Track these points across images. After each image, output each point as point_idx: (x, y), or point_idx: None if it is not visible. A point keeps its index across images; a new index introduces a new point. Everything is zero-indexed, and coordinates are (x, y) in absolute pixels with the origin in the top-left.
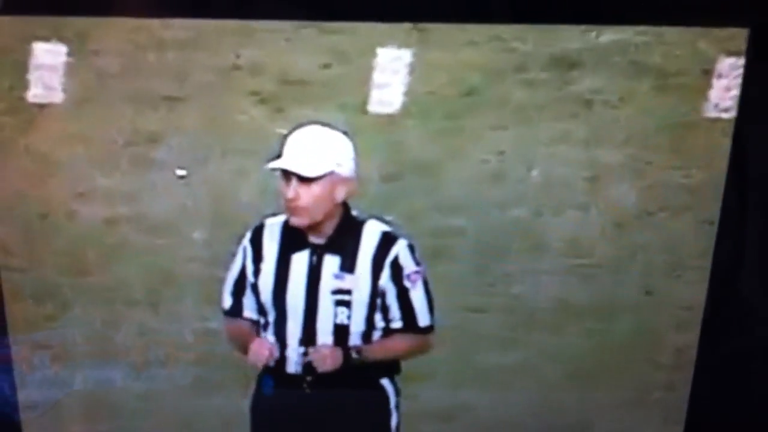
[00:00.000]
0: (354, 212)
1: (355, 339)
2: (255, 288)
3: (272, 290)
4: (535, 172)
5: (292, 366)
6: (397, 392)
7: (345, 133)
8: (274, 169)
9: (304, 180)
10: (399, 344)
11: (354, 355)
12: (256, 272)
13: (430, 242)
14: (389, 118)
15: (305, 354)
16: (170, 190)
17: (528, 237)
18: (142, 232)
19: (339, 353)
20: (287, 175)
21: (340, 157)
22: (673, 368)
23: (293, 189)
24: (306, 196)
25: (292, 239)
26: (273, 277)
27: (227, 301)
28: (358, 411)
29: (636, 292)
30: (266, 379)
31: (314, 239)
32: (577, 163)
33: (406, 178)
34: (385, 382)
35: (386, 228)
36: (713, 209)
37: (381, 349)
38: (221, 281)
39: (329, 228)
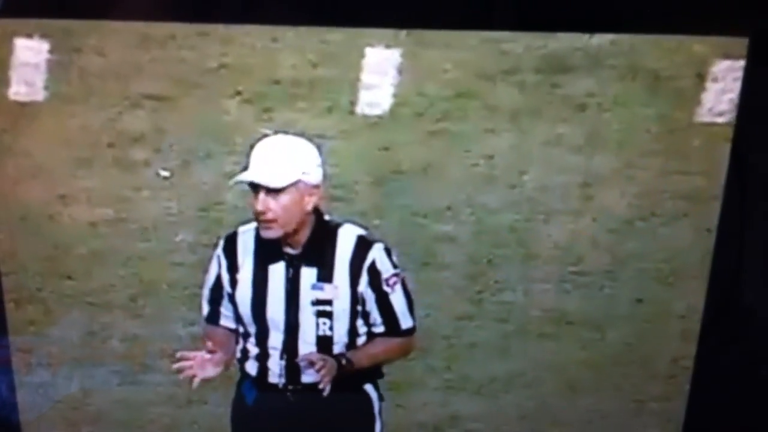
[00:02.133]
0: (327, 217)
1: (339, 349)
2: (232, 298)
3: (251, 304)
4: (526, 177)
5: (275, 377)
6: (380, 397)
7: (311, 140)
8: (239, 182)
9: (272, 191)
10: (383, 349)
11: (344, 362)
12: (233, 283)
13: (418, 249)
14: (377, 120)
15: (296, 365)
16: (154, 191)
17: (519, 244)
18: (125, 235)
19: (333, 364)
20: (255, 187)
21: (306, 165)
22: (669, 378)
23: (262, 201)
24: (275, 207)
25: (267, 250)
26: (251, 290)
27: (204, 309)
28: (342, 417)
29: (629, 300)
30: (248, 387)
31: (289, 250)
32: (570, 169)
33: (393, 183)
34: (368, 387)
35: (361, 232)
36: (710, 216)
37: (366, 356)
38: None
39: (303, 237)
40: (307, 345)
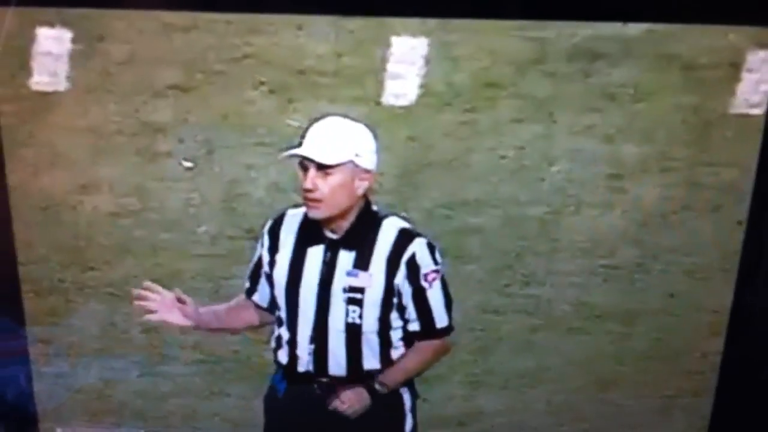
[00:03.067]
0: (375, 208)
1: (369, 339)
2: (270, 279)
3: (285, 285)
4: (555, 169)
5: (303, 365)
6: (414, 395)
7: (368, 126)
8: (291, 157)
9: (322, 168)
10: (419, 360)
11: (378, 387)
12: (271, 263)
13: (445, 241)
14: (404, 110)
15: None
16: (176, 182)
17: (547, 236)
18: (147, 225)
19: (364, 393)
20: (305, 164)
21: (360, 147)
22: (697, 373)
23: (311, 179)
24: (324, 186)
25: (309, 233)
26: (287, 271)
27: (246, 284)
28: (371, 413)
29: (659, 294)
30: (279, 379)
31: (330, 234)
32: (601, 160)
33: (420, 174)
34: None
35: (405, 225)
36: (742, 209)
37: (402, 372)
38: (228, 277)
39: (347, 222)
40: (336, 332)
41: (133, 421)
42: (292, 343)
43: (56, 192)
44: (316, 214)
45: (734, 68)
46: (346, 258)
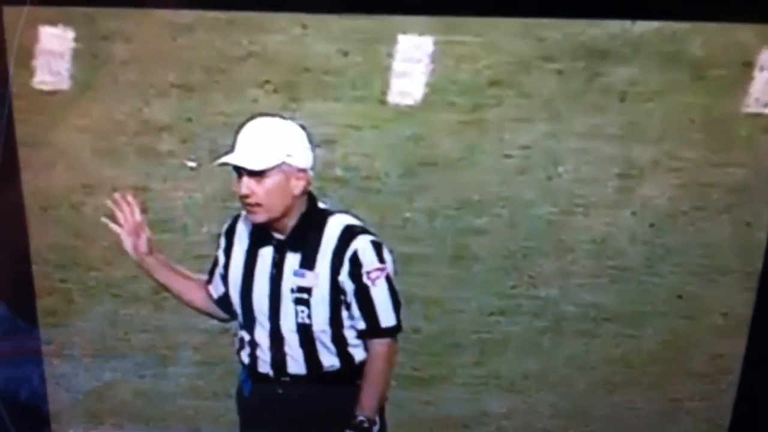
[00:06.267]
0: (321, 205)
1: (320, 338)
2: (225, 280)
3: (239, 287)
4: (562, 169)
5: (265, 366)
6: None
7: (299, 123)
8: (222, 165)
9: (255, 174)
10: (375, 372)
11: (361, 420)
12: (226, 265)
13: (449, 242)
14: (409, 109)
15: (282, 354)
16: (179, 182)
17: (554, 237)
18: (150, 225)
19: None
20: (238, 170)
21: (292, 147)
22: (707, 376)
23: (245, 185)
24: (259, 190)
25: (258, 234)
26: (240, 274)
27: (206, 275)
28: (334, 410)
29: (668, 296)
30: (244, 378)
31: (277, 235)
32: (608, 160)
33: (425, 174)
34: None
35: (351, 222)
36: (754, 209)
37: (368, 391)
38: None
39: (291, 222)
40: (289, 333)
41: (137, 422)
42: (252, 343)
43: (59, 192)
44: (257, 218)
45: (746, 67)
46: (292, 258)
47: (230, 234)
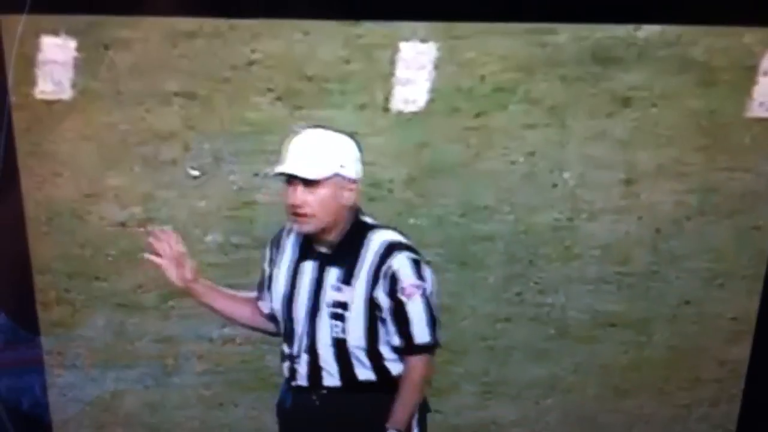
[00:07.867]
0: (366, 219)
1: (355, 353)
2: (270, 291)
3: (282, 300)
4: (568, 175)
5: (303, 379)
6: (426, 408)
7: (351, 135)
8: (277, 175)
9: (309, 184)
10: (409, 388)
11: None
12: (270, 278)
13: (455, 249)
14: (413, 116)
15: (318, 367)
16: (184, 190)
17: (560, 243)
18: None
19: None
20: (291, 180)
21: (345, 158)
22: (716, 382)
23: (299, 195)
24: (312, 201)
25: (302, 247)
26: (283, 287)
27: (255, 291)
28: (375, 423)
29: (675, 301)
30: (285, 389)
31: (321, 248)
32: (614, 165)
33: (430, 181)
34: None
35: (393, 238)
36: (761, 214)
37: (402, 407)
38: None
39: (336, 235)
40: (325, 347)
41: None
42: (291, 356)
43: (62, 201)
44: (305, 228)
45: (750, 71)
46: (332, 272)
47: (276, 246)
